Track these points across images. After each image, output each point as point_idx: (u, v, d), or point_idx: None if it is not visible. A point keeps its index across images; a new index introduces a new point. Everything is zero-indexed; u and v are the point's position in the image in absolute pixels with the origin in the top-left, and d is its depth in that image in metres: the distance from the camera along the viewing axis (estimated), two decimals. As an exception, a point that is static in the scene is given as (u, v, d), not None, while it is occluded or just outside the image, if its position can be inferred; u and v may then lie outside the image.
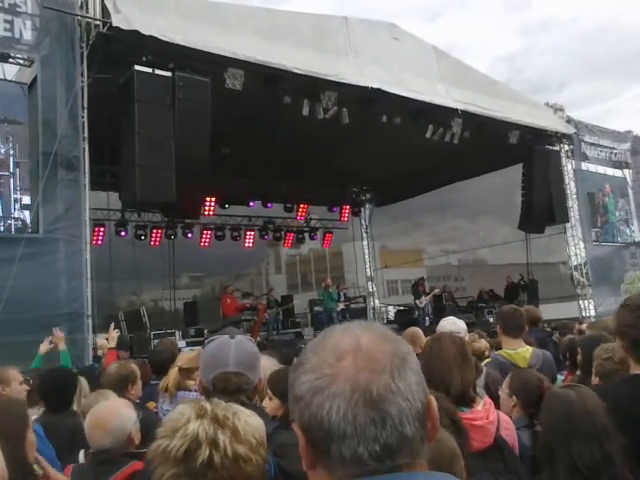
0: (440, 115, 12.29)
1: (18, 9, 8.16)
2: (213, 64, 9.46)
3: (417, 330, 4.87)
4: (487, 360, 4.01)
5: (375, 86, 10.89)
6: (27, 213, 8.28)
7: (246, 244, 19.08)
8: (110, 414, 2.41)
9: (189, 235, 17.23)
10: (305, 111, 10.66)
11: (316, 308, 17.88)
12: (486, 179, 17.02)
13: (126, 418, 2.43)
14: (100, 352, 6.80)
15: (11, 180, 8.23)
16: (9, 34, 8.14)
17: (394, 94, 11.20)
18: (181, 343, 11.67)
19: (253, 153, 13.64)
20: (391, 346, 0.89)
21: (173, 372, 3.50)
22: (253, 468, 1.33)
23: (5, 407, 2.14)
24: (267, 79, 10.20)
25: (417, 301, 16.86)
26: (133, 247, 14.91)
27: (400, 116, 11.83)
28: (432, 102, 11.86)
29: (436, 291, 17.36)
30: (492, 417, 2.38)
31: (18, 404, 2.32)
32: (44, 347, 5.91)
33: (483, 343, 5.18)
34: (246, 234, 18.91)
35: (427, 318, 16.31)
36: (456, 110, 12.16)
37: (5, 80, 8.33)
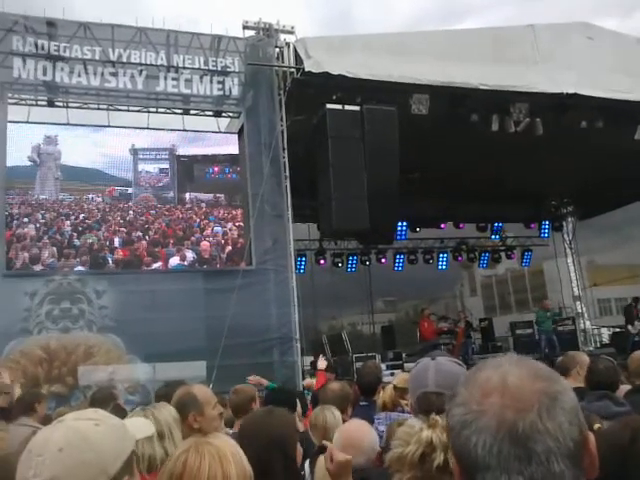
0: (651, 113, 11.00)
1: (228, 69, 9.38)
2: (398, 92, 9.71)
3: (644, 354, 4.36)
4: None
5: (570, 91, 10.18)
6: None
7: (439, 267, 18.89)
8: (361, 433, 2.52)
9: (382, 260, 17.63)
10: (495, 126, 10.35)
11: (518, 331, 16.99)
12: None
13: (374, 437, 2.53)
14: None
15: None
16: (221, 92, 9.38)
17: (593, 97, 10.34)
18: (381, 366, 11.87)
19: (442, 174, 13.56)
20: (541, 385, 0.89)
21: (388, 389, 3.61)
22: None
23: (281, 418, 2.40)
24: (452, 100, 10.15)
25: (629, 326, 15.09)
26: (331, 274, 15.72)
27: (602, 119, 10.85)
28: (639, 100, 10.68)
29: None
30: None
31: (289, 416, 2.54)
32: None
33: None
34: (439, 256, 18.73)
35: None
36: (671, 105, 10.79)
37: (220, 132, 9.54)
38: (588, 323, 19.44)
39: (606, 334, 18.72)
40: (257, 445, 2.13)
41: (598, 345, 17.51)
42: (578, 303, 19.47)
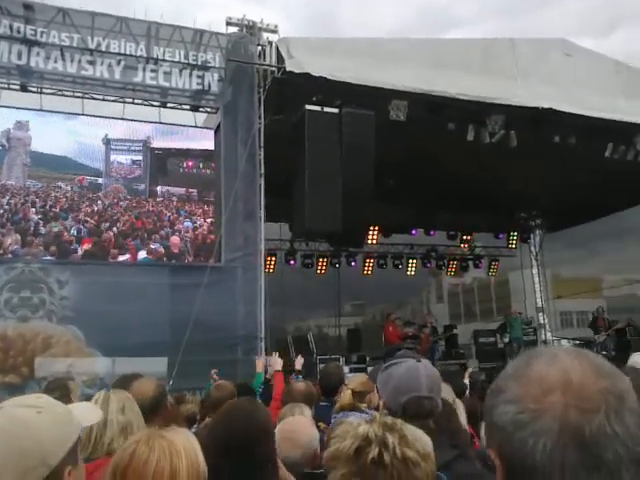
0: (621, 132, 11.28)
1: (208, 64, 9.26)
2: (377, 97, 9.72)
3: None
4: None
5: (546, 106, 10.35)
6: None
7: (408, 272, 19.03)
8: (302, 429, 2.55)
9: (352, 263, 17.66)
10: (470, 136, 10.47)
11: (481, 339, 17.25)
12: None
13: (315, 435, 2.56)
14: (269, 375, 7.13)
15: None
16: (200, 87, 9.26)
17: (567, 113, 10.55)
18: (345, 369, 11.89)
19: (417, 182, 13.67)
20: (607, 382, 0.80)
21: (347, 394, 3.62)
22: (422, 474, 1.33)
23: (264, 409, 2.41)
24: (431, 108, 10.21)
25: (596, 336, 15.54)
26: (301, 275, 15.69)
27: (575, 135, 11.08)
28: (611, 119, 10.93)
29: (619, 325, 15.75)
30: None
31: (265, 409, 2.55)
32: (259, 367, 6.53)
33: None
34: (408, 262, 18.87)
35: (606, 353, 14.85)
36: (640, 126, 11.09)
37: (196, 127, 9.42)
38: (549, 334, 19.84)
39: (566, 346, 19.10)
40: (245, 433, 2.09)
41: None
42: (540, 314, 19.84)
